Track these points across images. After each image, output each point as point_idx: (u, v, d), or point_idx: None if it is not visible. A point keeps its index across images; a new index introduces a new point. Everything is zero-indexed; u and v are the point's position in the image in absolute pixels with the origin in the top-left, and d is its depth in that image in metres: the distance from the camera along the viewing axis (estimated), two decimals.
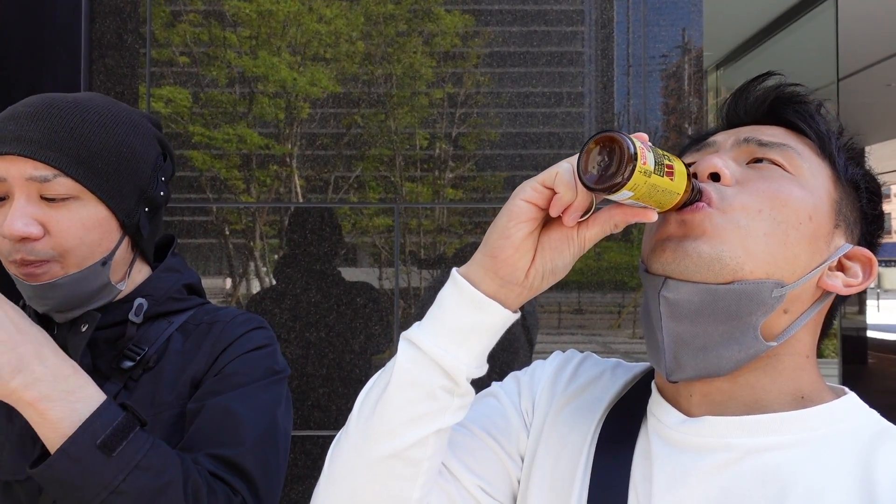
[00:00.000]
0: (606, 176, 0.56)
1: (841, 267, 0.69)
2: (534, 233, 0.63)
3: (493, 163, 2.09)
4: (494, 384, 0.84)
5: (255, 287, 2.08)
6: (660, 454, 0.68)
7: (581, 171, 0.58)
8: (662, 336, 0.67)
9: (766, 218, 0.64)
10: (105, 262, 0.90)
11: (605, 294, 2.09)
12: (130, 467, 0.76)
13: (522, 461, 0.77)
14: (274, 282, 2.06)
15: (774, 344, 0.65)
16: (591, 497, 0.68)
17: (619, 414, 0.74)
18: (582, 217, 0.62)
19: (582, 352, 0.88)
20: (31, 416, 0.76)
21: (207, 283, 1.97)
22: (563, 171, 0.60)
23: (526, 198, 0.62)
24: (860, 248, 0.69)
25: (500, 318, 0.64)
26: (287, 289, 2.02)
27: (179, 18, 2.06)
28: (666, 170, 0.59)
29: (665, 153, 0.60)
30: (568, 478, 0.71)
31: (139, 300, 0.94)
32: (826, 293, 0.68)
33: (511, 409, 0.79)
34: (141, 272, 0.99)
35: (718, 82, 4.97)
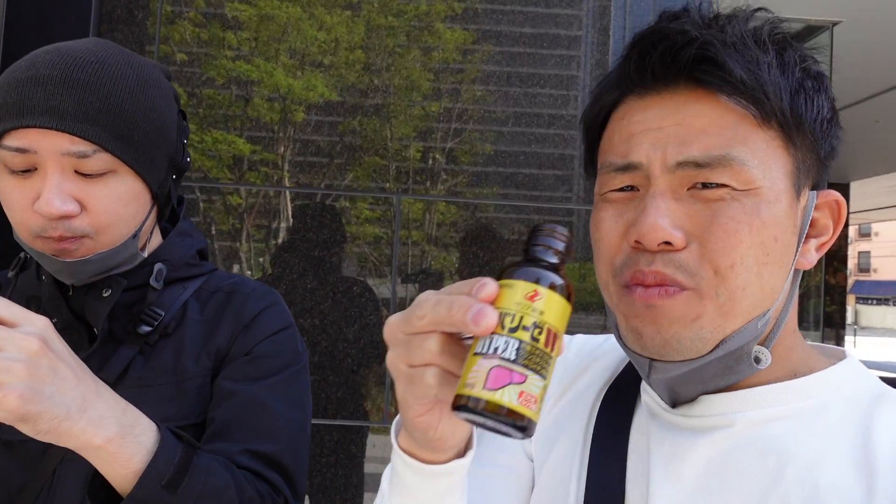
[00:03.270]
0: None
1: (809, 224, 0.64)
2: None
3: (485, 178, 2.11)
4: None
5: None
6: (656, 431, 0.67)
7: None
8: (656, 388, 0.67)
9: (738, 271, 0.58)
10: (136, 235, 0.89)
11: (589, 315, 2.10)
12: (193, 499, 0.76)
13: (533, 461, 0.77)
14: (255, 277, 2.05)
15: (769, 360, 0.62)
16: (591, 475, 0.68)
17: (613, 396, 0.73)
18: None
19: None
20: (100, 457, 0.72)
21: None
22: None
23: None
24: (824, 192, 0.64)
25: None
26: (283, 274, 2.02)
27: (181, 17, 2.06)
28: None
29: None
30: (567, 463, 0.71)
31: (158, 265, 0.93)
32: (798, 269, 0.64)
33: None
34: (156, 235, 0.98)
35: None
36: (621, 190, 0.64)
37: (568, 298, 0.52)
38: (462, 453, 0.60)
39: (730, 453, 0.62)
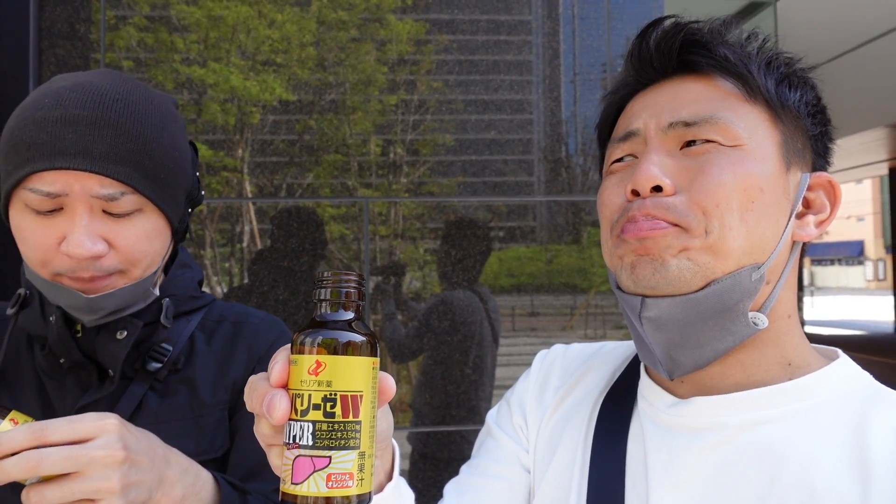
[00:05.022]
0: None
1: (806, 203, 0.68)
2: None
3: (448, 167, 2.11)
4: (489, 418, 0.85)
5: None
6: (653, 438, 0.67)
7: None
8: (652, 346, 0.66)
9: (724, 210, 0.61)
10: (156, 270, 0.88)
11: (558, 297, 2.13)
12: None
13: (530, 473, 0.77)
14: (225, 290, 2.03)
15: (766, 323, 0.64)
16: (591, 485, 0.68)
17: (611, 402, 0.73)
18: None
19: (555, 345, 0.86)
20: None
21: None
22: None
23: None
24: (816, 174, 0.68)
25: None
26: (254, 286, 2.00)
27: (125, 22, 2.01)
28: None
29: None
30: (567, 473, 0.72)
31: (166, 301, 0.91)
32: (797, 241, 0.67)
33: (507, 441, 0.80)
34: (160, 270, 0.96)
35: None
36: (622, 160, 0.70)
37: (368, 349, 0.50)
38: (381, 487, 0.61)
39: (726, 458, 0.63)
